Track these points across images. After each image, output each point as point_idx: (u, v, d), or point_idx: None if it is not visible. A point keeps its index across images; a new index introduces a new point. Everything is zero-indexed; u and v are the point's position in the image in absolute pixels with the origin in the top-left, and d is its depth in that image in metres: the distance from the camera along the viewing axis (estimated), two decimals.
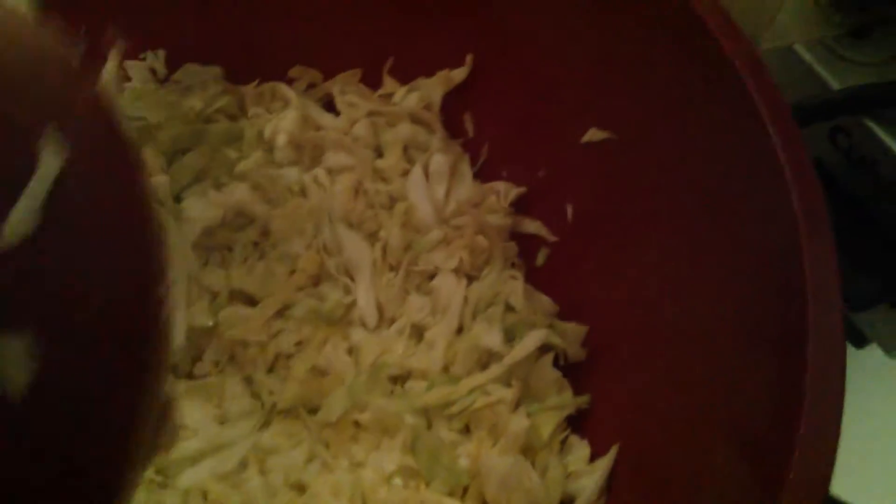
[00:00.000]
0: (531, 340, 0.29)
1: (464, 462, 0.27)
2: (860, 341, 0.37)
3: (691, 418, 0.25)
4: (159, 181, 0.32)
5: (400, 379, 0.31)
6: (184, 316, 0.30)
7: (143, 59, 0.35)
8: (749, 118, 0.25)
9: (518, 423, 0.27)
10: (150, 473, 0.28)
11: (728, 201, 0.26)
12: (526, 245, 0.34)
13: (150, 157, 0.32)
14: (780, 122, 0.24)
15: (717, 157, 0.27)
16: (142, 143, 0.32)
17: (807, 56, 0.30)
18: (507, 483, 0.26)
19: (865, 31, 0.29)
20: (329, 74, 0.36)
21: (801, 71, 0.30)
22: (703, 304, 0.26)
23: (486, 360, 0.30)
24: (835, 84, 0.30)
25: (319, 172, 0.33)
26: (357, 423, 0.30)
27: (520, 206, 0.34)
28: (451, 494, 0.27)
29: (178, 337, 0.29)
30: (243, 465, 0.30)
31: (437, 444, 0.28)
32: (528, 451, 0.27)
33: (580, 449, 0.28)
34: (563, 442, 0.28)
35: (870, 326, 0.32)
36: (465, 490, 0.27)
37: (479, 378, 0.29)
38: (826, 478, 0.18)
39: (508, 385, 0.29)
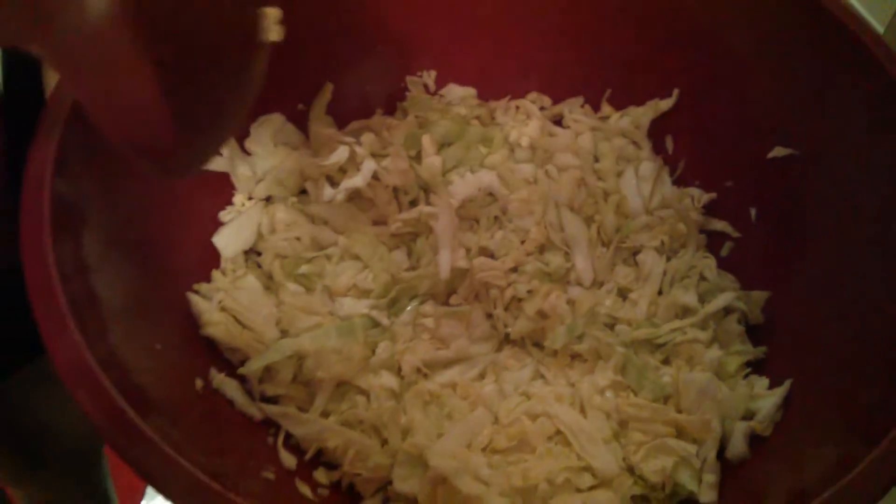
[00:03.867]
0: (722, 299, 0.37)
1: (666, 378, 0.35)
2: None
3: (848, 363, 0.32)
4: (434, 161, 0.42)
5: (609, 325, 0.39)
6: (449, 257, 0.39)
7: (420, 76, 0.46)
8: None
9: (712, 353, 0.35)
10: (419, 363, 0.37)
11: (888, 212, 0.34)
12: (713, 240, 0.42)
13: (427, 143, 0.42)
14: None
15: (883, 173, 0.35)
16: (422, 132, 0.43)
17: None
18: (704, 393, 0.33)
19: None
20: (557, 99, 0.46)
21: None
22: (862, 293, 0.33)
23: (681, 315, 0.38)
24: None
25: (550, 168, 0.43)
26: (573, 356, 0.38)
27: (709, 209, 0.42)
28: (654, 402, 0.34)
29: (445, 270, 0.39)
30: (482, 375, 0.38)
31: (644, 364, 0.35)
32: (720, 378, 0.35)
33: (760, 380, 0.35)
34: (745, 378, 0.35)
35: None
36: (666, 401, 0.35)
37: (678, 322, 0.37)
38: None
39: (703, 330, 0.36)
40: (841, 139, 0.37)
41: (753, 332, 0.38)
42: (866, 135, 0.35)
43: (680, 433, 0.34)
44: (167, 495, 0.25)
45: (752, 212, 0.40)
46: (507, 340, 0.39)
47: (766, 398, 0.34)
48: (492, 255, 0.41)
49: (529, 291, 0.40)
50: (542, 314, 0.39)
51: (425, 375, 0.37)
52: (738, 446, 0.33)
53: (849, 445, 0.26)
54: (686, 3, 0.41)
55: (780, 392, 0.34)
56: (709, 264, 0.39)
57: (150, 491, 0.66)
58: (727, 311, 0.38)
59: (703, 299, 0.38)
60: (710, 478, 0.32)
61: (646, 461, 0.33)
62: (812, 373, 0.34)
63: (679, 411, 0.34)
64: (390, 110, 0.46)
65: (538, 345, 0.39)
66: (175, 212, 0.38)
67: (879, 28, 0.41)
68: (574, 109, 0.45)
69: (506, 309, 0.39)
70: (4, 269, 0.28)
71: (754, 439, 0.33)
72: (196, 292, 0.37)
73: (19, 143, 0.30)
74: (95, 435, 0.47)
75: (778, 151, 0.39)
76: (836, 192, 0.36)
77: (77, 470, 0.48)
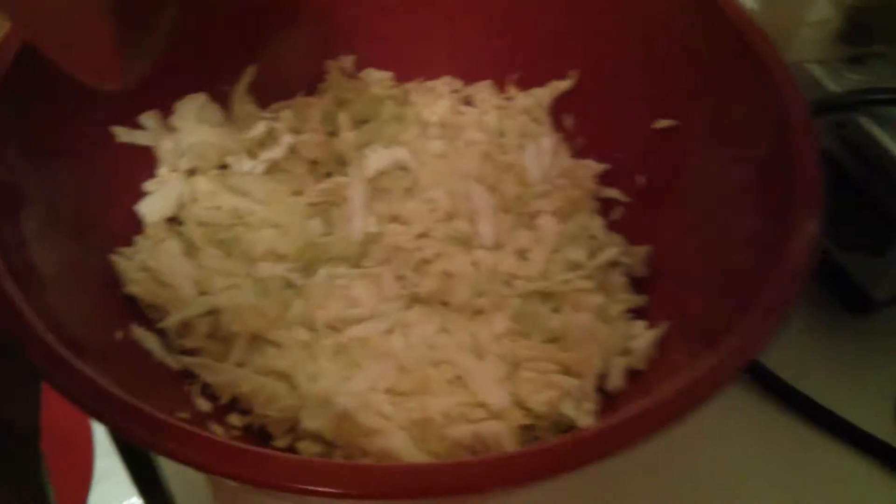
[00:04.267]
0: (607, 253, 0.41)
1: (555, 323, 0.38)
2: (860, 308, 0.47)
3: (710, 306, 0.36)
4: (349, 136, 0.45)
5: (508, 283, 0.42)
6: (361, 222, 0.42)
7: (339, 60, 0.49)
8: (772, 108, 0.36)
9: (594, 299, 0.38)
10: (331, 321, 0.40)
11: (747, 177, 0.37)
12: (605, 206, 0.45)
13: (343, 120, 0.45)
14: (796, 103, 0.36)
15: (744, 141, 0.39)
16: (338, 110, 0.46)
17: (817, 72, 0.42)
18: (585, 331, 0.37)
19: (861, 59, 0.41)
20: (468, 82, 0.50)
21: (812, 84, 0.42)
22: (722, 240, 0.37)
23: (572, 269, 0.41)
24: None
25: (459, 143, 0.46)
26: (476, 312, 0.41)
27: (602, 178, 0.46)
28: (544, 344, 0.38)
29: (356, 233, 0.42)
30: (391, 331, 0.41)
31: (536, 311, 0.39)
32: (602, 321, 0.38)
33: (639, 323, 0.38)
34: (627, 323, 0.39)
35: (855, 268, 0.42)
36: (555, 342, 0.38)
37: (568, 275, 0.40)
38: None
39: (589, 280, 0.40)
40: (713, 110, 0.41)
41: (639, 284, 0.41)
42: (733, 106, 0.39)
43: (566, 370, 0.37)
44: (109, 424, 0.27)
45: (640, 179, 0.44)
46: (415, 299, 0.42)
47: (643, 337, 0.37)
48: (403, 223, 0.44)
49: (437, 254, 0.43)
50: (447, 274, 0.42)
51: (337, 330, 0.40)
52: (615, 379, 0.36)
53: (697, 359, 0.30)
54: None
55: (655, 332, 0.37)
56: (598, 224, 0.43)
57: (93, 495, 0.67)
58: (613, 265, 0.41)
59: (591, 255, 0.41)
60: (589, 406, 0.35)
61: (533, 395, 0.36)
62: (682, 315, 0.37)
63: (566, 351, 0.37)
64: (311, 93, 0.49)
65: (444, 303, 0.42)
66: (104, 184, 0.40)
67: (752, 4, 0.45)
68: (482, 91, 0.49)
69: (414, 270, 0.42)
70: None
71: (632, 373, 0.37)
72: (120, 255, 0.39)
73: None
74: (32, 430, 0.49)
75: (661, 123, 0.43)
76: (707, 157, 0.40)
77: (14, 467, 0.50)
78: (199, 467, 0.25)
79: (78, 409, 0.27)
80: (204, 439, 0.25)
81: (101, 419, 0.27)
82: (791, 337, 0.45)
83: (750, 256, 0.33)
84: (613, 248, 0.41)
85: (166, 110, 0.44)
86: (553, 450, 0.25)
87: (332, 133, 0.46)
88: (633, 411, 0.26)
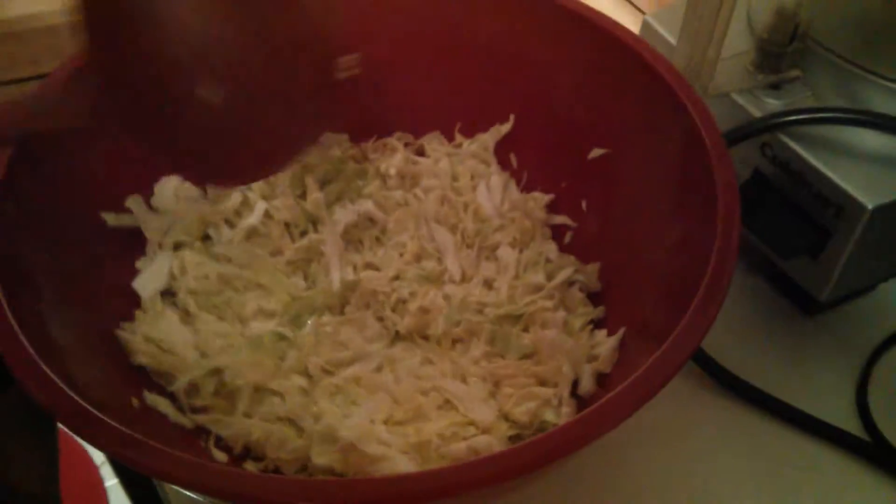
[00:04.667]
0: (563, 274, 0.45)
1: (526, 340, 0.43)
2: (811, 310, 0.52)
3: (656, 308, 0.41)
4: (317, 197, 0.49)
5: (479, 311, 0.46)
6: (339, 272, 0.46)
7: None
8: (690, 135, 0.42)
9: (558, 316, 0.43)
10: (323, 364, 0.43)
11: (673, 193, 0.43)
12: (556, 232, 0.50)
13: (310, 182, 0.50)
14: (712, 135, 0.41)
15: (663, 159, 0.44)
16: (304, 174, 0.50)
17: (740, 100, 0.47)
18: (554, 345, 0.41)
19: (778, 86, 0.47)
20: (418, 135, 0.54)
21: (736, 110, 0.47)
22: (658, 250, 0.42)
23: (534, 292, 0.46)
24: None
25: (417, 191, 0.51)
26: (454, 341, 0.46)
27: (550, 207, 0.51)
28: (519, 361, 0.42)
29: (336, 283, 0.46)
30: (380, 368, 0.45)
31: (508, 332, 0.43)
32: (567, 334, 0.43)
33: (601, 332, 0.43)
34: (590, 333, 0.44)
35: (799, 274, 0.47)
36: (528, 358, 0.42)
37: (532, 297, 0.45)
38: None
39: (551, 299, 0.44)
40: (639, 138, 0.46)
41: (596, 298, 0.46)
42: (655, 133, 0.45)
43: (541, 382, 0.41)
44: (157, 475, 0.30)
45: (584, 203, 0.49)
46: (397, 337, 0.46)
47: (605, 344, 0.42)
48: (377, 269, 0.48)
49: (411, 293, 0.47)
50: (423, 310, 0.46)
51: (330, 373, 0.44)
52: (586, 384, 0.41)
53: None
54: (515, 50, 0.51)
55: (615, 338, 0.42)
56: (552, 248, 0.48)
57: None
58: (570, 283, 0.46)
59: (550, 277, 0.46)
60: (567, 410, 0.40)
61: (516, 408, 0.40)
62: (635, 320, 0.42)
63: (539, 365, 0.42)
64: None
65: (424, 336, 0.46)
66: (102, 266, 0.44)
67: (674, 42, 0.50)
68: (432, 141, 0.54)
69: (393, 310, 0.47)
70: None
71: (600, 377, 0.41)
72: (123, 330, 0.43)
73: None
74: (44, 497, 0.51)
75: (595, 152, 0.48)
76: (635, 176, 0.46)
77: None
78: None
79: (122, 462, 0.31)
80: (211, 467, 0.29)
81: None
82: (754, 341, 0.50)
83: (683, 261, 0.38)
84: (568, 269, 0.46)
85: (147, 192, 0.47)
86: (524, 448, 0.29)
87: (302, 195, 0.50)
88: (594, 408, 0.30)
